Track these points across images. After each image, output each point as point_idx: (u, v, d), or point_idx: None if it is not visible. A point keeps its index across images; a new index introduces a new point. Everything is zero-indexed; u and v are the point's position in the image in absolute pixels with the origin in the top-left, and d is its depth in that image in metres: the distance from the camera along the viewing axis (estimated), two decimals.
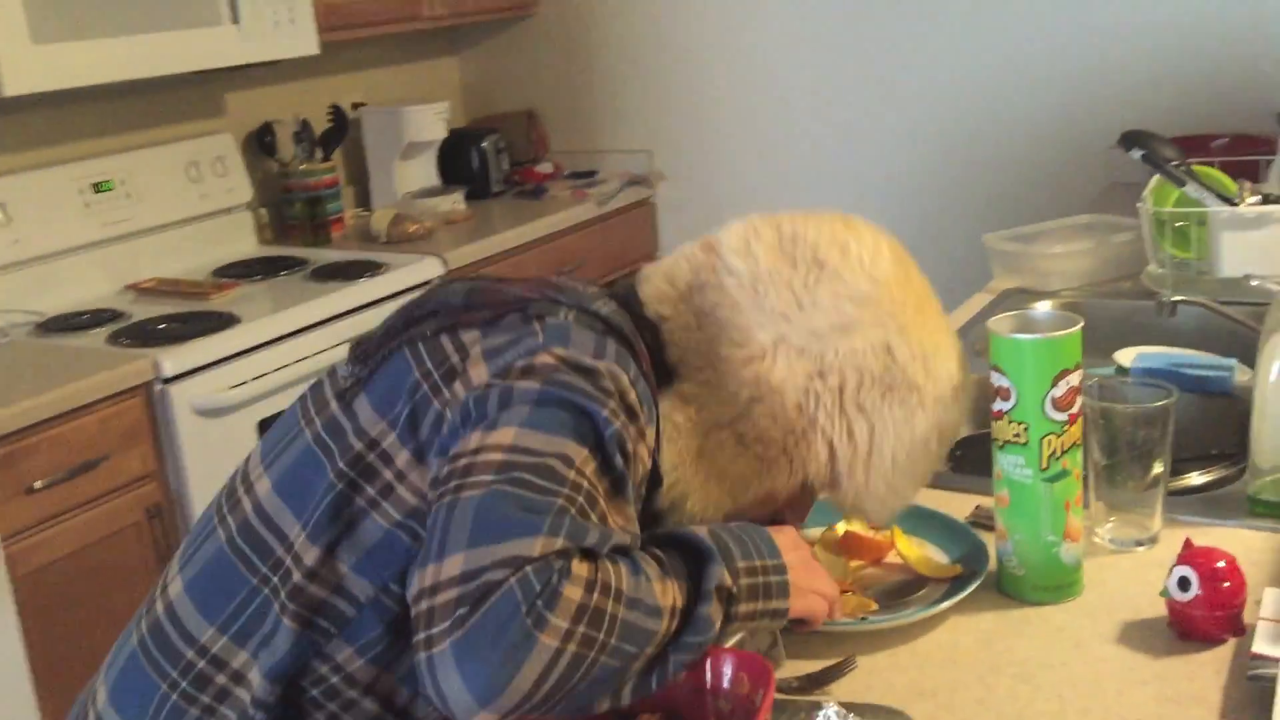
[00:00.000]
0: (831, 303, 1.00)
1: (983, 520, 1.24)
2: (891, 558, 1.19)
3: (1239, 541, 1.16)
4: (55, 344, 2.38)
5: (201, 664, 0.95)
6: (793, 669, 1.02)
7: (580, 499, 0.84)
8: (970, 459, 1.55)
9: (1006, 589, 1.12)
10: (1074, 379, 1.07)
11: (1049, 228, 2.19)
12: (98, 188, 2.70)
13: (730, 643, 0.95)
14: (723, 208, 3.53)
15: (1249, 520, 1.21)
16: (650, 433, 0.93)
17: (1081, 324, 1.08)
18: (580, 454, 0.85)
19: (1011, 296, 2.02)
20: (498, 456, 0.84)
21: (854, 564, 1.19)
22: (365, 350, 0.98)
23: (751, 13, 3.34)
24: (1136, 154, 1.96)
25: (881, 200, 3.30)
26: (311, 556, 0.92)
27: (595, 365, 0.90)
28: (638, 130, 3.63)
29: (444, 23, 3.35)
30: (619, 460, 0.88)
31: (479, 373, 0.91)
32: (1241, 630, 1.01)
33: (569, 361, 0.89)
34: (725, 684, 0.91)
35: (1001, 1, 3.03)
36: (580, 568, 0.80)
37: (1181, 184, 1.87)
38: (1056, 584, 1.10)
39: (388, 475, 0.92)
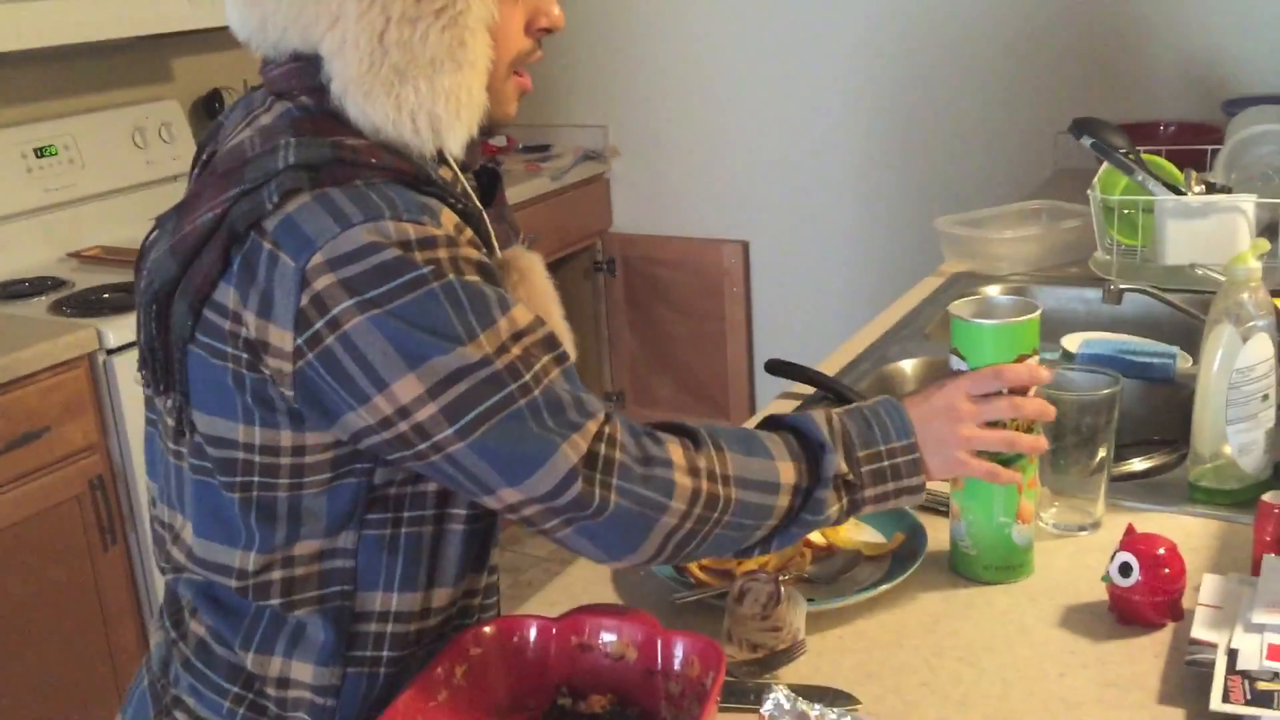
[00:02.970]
0: None
1: (929, 504, 1.26)
2: (817, 539, 1.19)
3: (1179, 528, 1.18)
4: None
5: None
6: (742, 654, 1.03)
7: (525, 375, 0.86)
8: None
9: (959, 568, 1.14)
10: (1032, 364, 1.08)
11: (999, 212, 2.20)
12: (40, 153, 2.64)
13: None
14: (676, 183, 3.53)
15: (1189, 507, 1.24)
16: (451, 228, 0.87)
17: (1040, 310, 1.09)
18: (474, 341, 0.84)
19: (961, 280, 2.04)
20: (429, 408, 0.83)
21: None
22: (156, 375, 0.92)
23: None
24: (1086, 141, 1.98)
25: (834, 182, 3.31)
26: (259, 562, 0.92)
27: (360, 241, 0.83)
28: (592, 105, 3.61)
29: None
30: (489, 292, 0.86)
31: (278, 335, 0.84)
32: (1180, 615, 1.04)
33: (341, 263, 0.82)
34: (676, 666, 0.92)
35: None
36: (672, 450, 0.91)
37: (1130, 172, 1.89)
38: (1008, 564, 1.12)
39: (285, 461, 0.90)
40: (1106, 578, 1.05)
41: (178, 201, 0.95)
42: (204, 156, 1.02)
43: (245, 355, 0.86)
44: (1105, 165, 1.97)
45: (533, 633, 0.95)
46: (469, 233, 0.90)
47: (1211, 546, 1.16)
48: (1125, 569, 1.03)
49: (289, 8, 0.90)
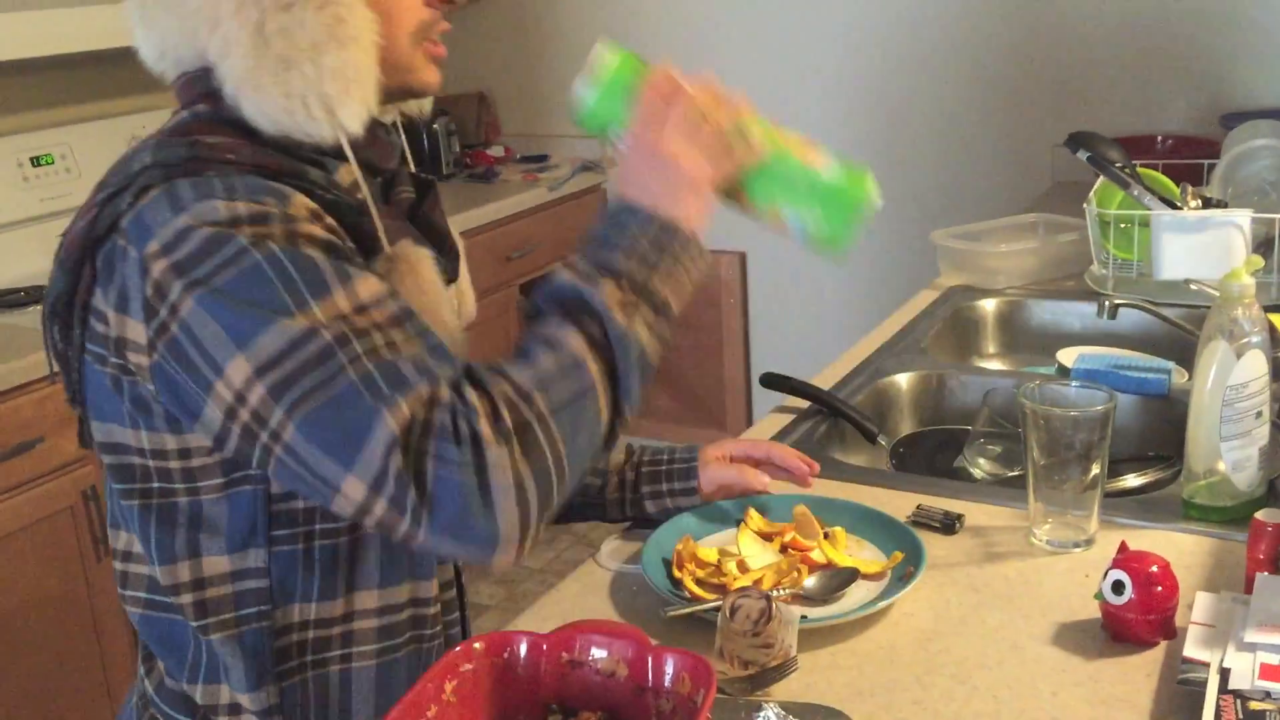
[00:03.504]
0: None
1: (924, 519, 1.25)
2: (817, 557, 1.19)
3: (1173, 545, 1.18)
4: None
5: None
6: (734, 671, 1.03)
7: (360, 345, 0.81)
8: (911, 457, 1.57)
9: (834, 242, 1.08)
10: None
11: (996, 226, 2.21)
12: (36, 161, 2.64)
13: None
14: None
15: (1183, 524, 1.23)
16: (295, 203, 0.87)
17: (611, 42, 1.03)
18: (303, 313, 0.81)
19: (957, 294, 2.04)
20: (258, 389, 0.80)
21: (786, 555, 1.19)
22: (70, 389, 0.95)
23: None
24: (1082, 155, 1.98)
25: None
26: (168, 577, 0.93)
27: (189, 222, 0.83)
28: None
29: None
30: (325, 263, 0.83)
31: (134, 329, 0.85)
32: (1173, 634, 1.03)
33: (172, 245, 0.83)
34: (667, 683, 0.91)
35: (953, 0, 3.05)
36: (473, 399, 0.80)
37: (1126, 186, 1.89)
38: (853, 198, 1.08)
39: (175, 465, 0.91)
40: (1099, 595, 1.05)
41: None
42: None
43: (115, 358, 0.87)
44: (1101, 179, 1.97)
45: (523, 649, 0.95)
46: (327, 219, 0.88)
47: (1205, 564, 1.16)
48: (1118, 587, 1.03)
49: (177, 24, 0.91)
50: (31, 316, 2.32)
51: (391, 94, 0.97)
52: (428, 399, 0.80)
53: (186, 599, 0.93)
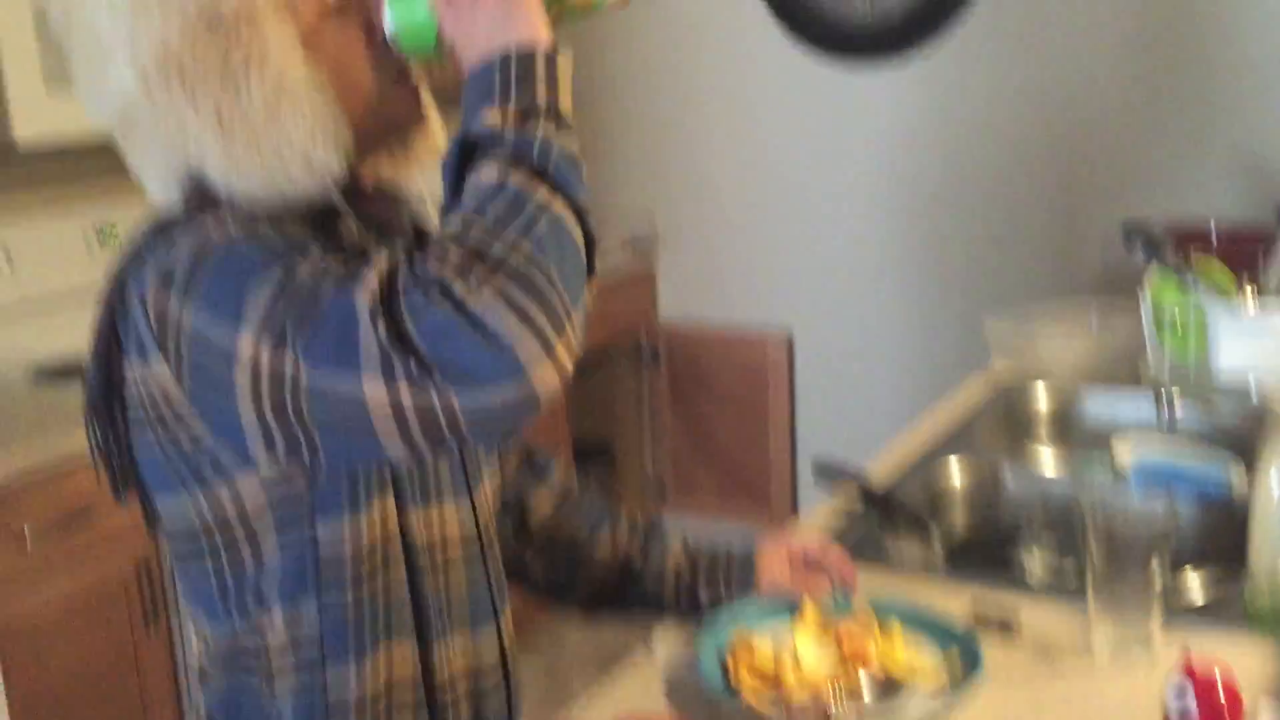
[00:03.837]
0: None
1: (979, 619, 1.24)
2: (873, 655, 1.17)
3: (1237, 652, 1.15)
4: (51, 392, 2.37)
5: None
6: None
7: (323, 267, 0.85)
8: (965, 552, 1.55)
9: None
10: None
11: (1049, 312, 2.19)
12: (101, 234, 2.70)
13: None
14: (721, 272, 3.55)
15: (1247, 630, 1.21)
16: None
17: None
18: (271, 272, 0.86)
19: (1010, 381, 2.03)
20: (264, 350, 0.84)
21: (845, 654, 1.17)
22: (114, 482, 1.01)
23: (752, 77, 3.37)
24: (1137, 245, 1.97)
25: (880, 275, 3.31)
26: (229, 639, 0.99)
27: (181, 253, 0.90)
28: (639, 193, 3.65)
29: None
30: (275, 236, 0.90)
31: (158, 366, 0.91)
32: None
33: (165, 272, 0.90)
34: None
35: (1003, 81, 3.06)
36: (419, 256, 0.82)
37: (1181, 277, 1.88)
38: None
39: (231, 514, 0.95)
40: (1163, 707, 1.02)
41: None
42: None
43: (155, 414, 0.92)
44: (1156, 269, 1.96)
45: None
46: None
47: (1270, 671, 1.13)
48: (1182, 695, 1.01)
49: (158, 157, 0.97)
50: None
51: (377, 134, 1.00)
52: (384, 272, 0.83)
53: (253, 659, 0.97)
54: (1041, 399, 2.00)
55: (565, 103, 0.90)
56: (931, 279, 3.25)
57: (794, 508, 3.55)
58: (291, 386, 0.83)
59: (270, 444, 0.87)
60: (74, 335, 2.63)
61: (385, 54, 0.98)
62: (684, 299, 3.64)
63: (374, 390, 0.80)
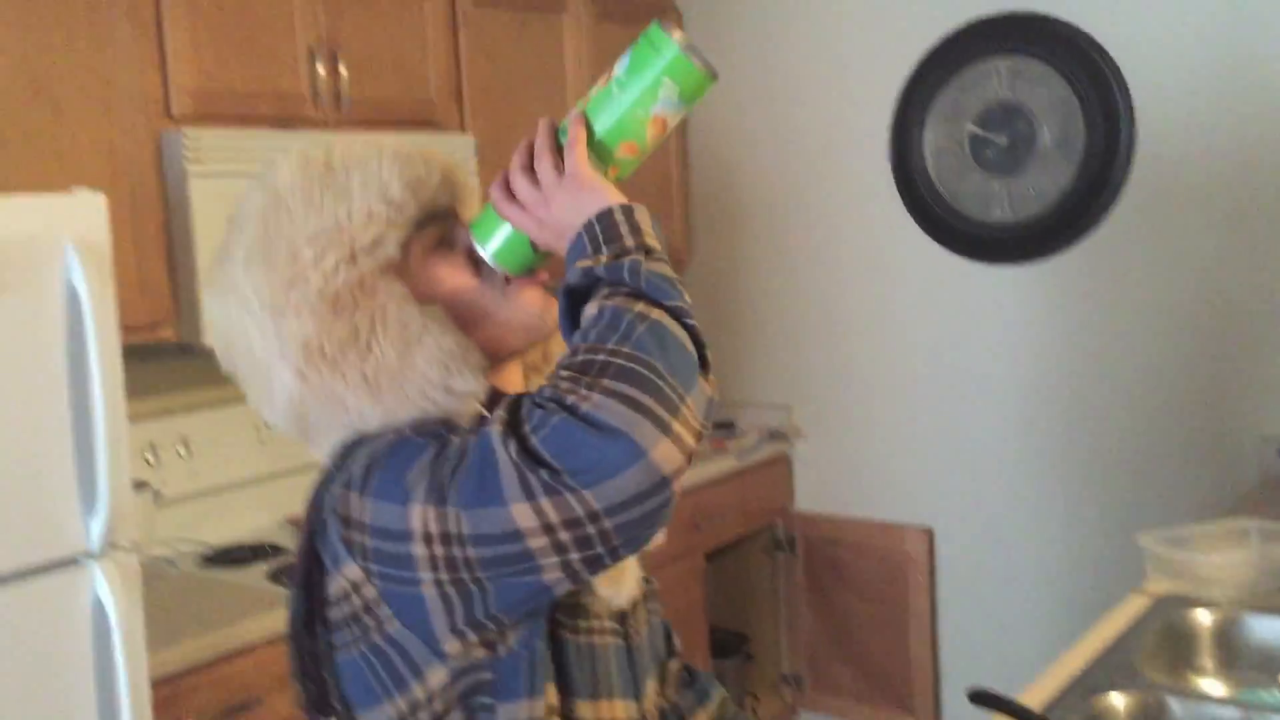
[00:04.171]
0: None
1: None
2: None
3: None
4: (217, 578, 2.49)
5: None
6: None
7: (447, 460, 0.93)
8: None
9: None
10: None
11: (1207, 531, 2.15)
12: (270, 426, 2.85)
13: None
14: (859, 464, 3.56)
15: None
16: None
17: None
18: (430, 449, 0.95)
19: (1168, 603, 1.98)
20: (429, 511, 0.92)
21: None
22: (313, 703, 1.06)
23: (891, 274, 3.44)
24: None
25: (1025, 477, 3.28)
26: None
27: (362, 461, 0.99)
28: (776, 385, 3.71)
29: None
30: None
31: (349, 576, 0.98)
32: None
33: (348, 479, 0.99)
34: None
35: (1142, 287, 3.06)
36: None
37: None
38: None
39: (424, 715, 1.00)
40: None
41: None
42: None
43: (357, 626, 0.99)
44: None
45: None
46: None
47: None
48: None
49: (332, 433, 1.06)
50: (254, 575, 2.47)
51: (509, 345, 1.11)
52: (510, 403, 0.92)
53: None
54: (1203, 621, 1.95)
55: (651, 241, 0.99)
56: (1077, 484, 3.20)
57: (936, 711, 3.44)
58: (458, 541, 0.91)
59: (451, 615, 0.94)
60: (238, 520, 2.77)
61: (491, 275, 1.10)
62: (821, 491, 3.65)
63: (521, 514, 0.87)
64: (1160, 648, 1.88)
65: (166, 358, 2.67)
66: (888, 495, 3.51)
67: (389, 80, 2.80)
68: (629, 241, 0.97)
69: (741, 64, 3.61)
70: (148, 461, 2.60)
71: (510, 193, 1.05)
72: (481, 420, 0.96)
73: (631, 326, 0.91)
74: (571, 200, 1.02)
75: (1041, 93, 3.12)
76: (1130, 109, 3.00)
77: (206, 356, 2.77)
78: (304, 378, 1.03)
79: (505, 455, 0.88)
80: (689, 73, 1.03)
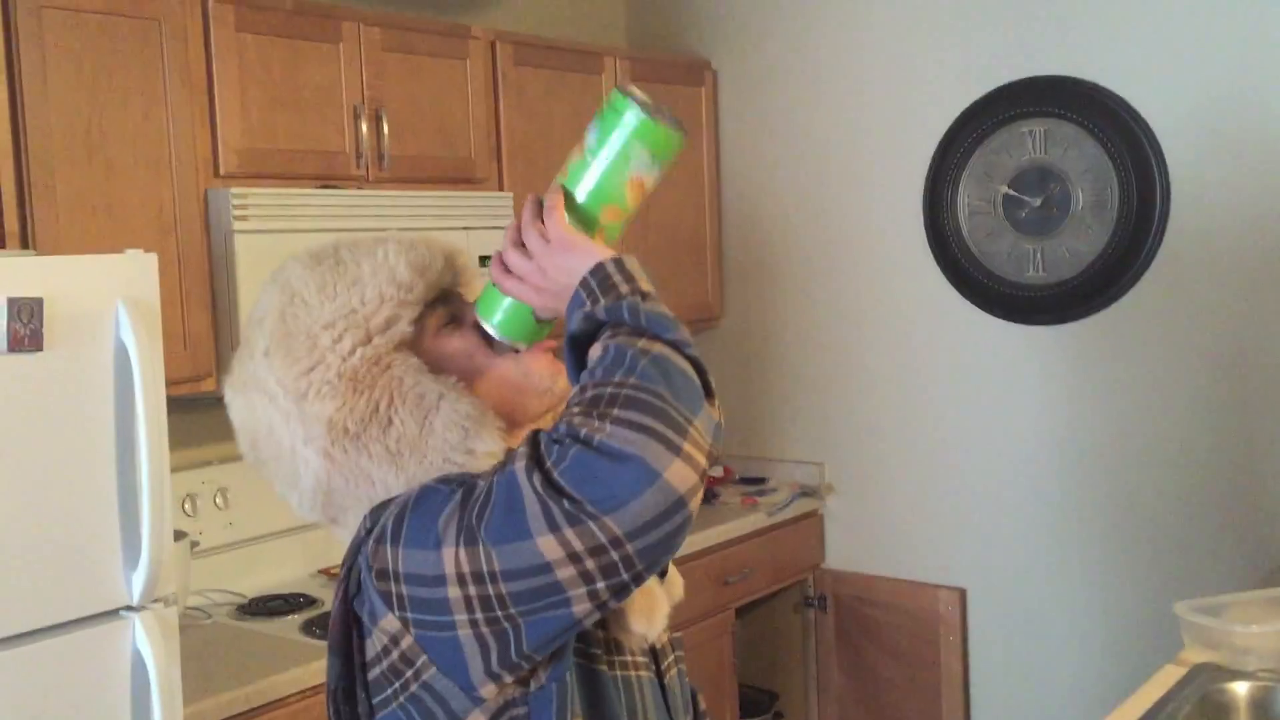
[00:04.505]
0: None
1: None
2: None
3: None
4: (252, 628, 2.51)
5: None
6: None
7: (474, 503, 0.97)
8: None
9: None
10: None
11: (1244, 600, 2.13)
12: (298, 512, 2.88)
13: None
14: (891, 523, 3.54)
15: None
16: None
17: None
18: (454, 492, 0.99)
19: (1205, 673, 1.96)
20: (460, 553, 0.95)
21: None
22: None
23: (921, 331, 3.44)
24: None
25: (1059, 540, 3.25)
26: None
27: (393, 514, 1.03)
28: (808, 442, 3.71)
29: None
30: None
31: (387, 628, 1.02)
32: None
33: (377, 533, 1.02)
34: None
35: (1177, 355, 3.05)
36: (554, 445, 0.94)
37: None
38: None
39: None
40: None
41: None
42: None
43: (398, 680, 1.01)
44: None
45: None
46: None
47: None
48: None
49: (360, 507, 1.09)
50: (288, 626, 2.49)
51: (529, 414, 1.15)
52: (529, 439, 0.96)
53: None
54: (1239, 693, 1.93)
55: (645, 285, 1.04)
56: (1113, 548, 3.17)
57: None
58: (490, 578, 0.94)
59: (487, 659, 0.97)
60: (272, 570, 2.79)
61: (501, 347, 1.15)
62: (853, 548, 3.63)
63: (547, 545, 0.91)
64: (1196, 719, 1.86)
65: (206, 408, 2.71)
66: (920, 553, 3.50)
67: (430, 138, 2.85)
68: (624, 288, 1.03)
69: (774, 123, 3.66)
70: (186, 512, 2.64)
71: (506, 268, 1.11)
72: (504, 460, 0.99)
73: (635, 360, 0.95)
74: (562, 262, 1.07)
75: (1075, 155, 3.14)
76: (1165, 172, 3.02)
77: None
78: (330, 458, 1.08)
79: (530, 489, 0.92)
80: (656, 134, 1.07)
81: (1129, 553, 3.14)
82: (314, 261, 1.14)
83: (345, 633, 1.06)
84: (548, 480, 0.92)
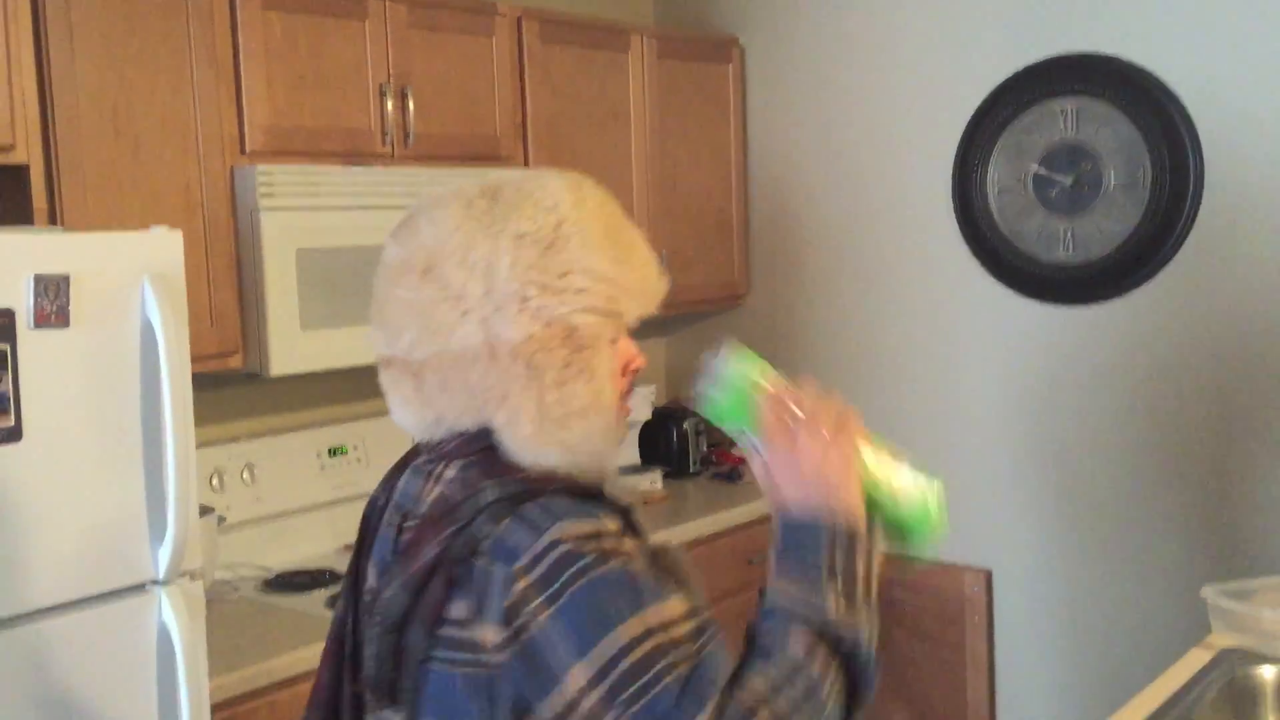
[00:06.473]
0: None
1: None
2: None
3: None
4: (278, 603, 2.53)
5: None
6: None
7: (670, 657, 0.98)
8: None
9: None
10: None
11: (1272, 583, 2.11)
12: (333, 452, 2.91)
13: None
14: None
15: None
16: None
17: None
18: (627, 626, 0.99)
19: (1233, 657, 1.95)
20: (593, 696, 0.97)
21: None
22: (383, 691, 1.10)
23: (955, 319, 3.42)
24: None
25: (1088, 531, 3.23)
26: None
27: (545, 542, 1.03)
28: None
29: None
30: (643, 581, 1.03)
31: (493, 631, 1.03)
32: None
33: (533, 565, 1.02)
34: None
35: (1210, 336, 3.01)
36: None
37: None
38: (916, 531, 1.24)
39: None
40: None
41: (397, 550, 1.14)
42: (386, 509, 1.20)
43: (468, 656, 1.03)
44: None
45: None
46: (629, 529, 1.09)
47: None
48: None
49: (464, 400, 1.11)
50: (313, 602, 2.51)
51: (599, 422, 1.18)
52: (717, 707, 0.97)
53: None
54: (1266, 677, 1.91)
55: (875, 587, 1.09)
56: (1141, 532, 3.14)
57: None
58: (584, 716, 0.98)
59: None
60: (299, 546, 2.81)
61: (630, 385, 1.18)
62: None
63: None
64: (1223, 703, 1.85)
65: (233, 384, 2.73)
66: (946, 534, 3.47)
67: (455, 116, 2.85)
68: (860, 582, 1.08)
69: (802, 100, 3.63)
70: (213, 487, 2.66)
71: (794, 417, 1.14)
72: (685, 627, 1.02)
73: (821, 707, 1.02)
74: (821, 483, 1.11)
75: (1107, 133, 3.09)
76: (1198, 151, 2.97)
77: (272, 384, 2.84)
78: (494, 353, 1.09)
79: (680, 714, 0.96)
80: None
81: (1157, 535, 3.11)
82: (608, 209, 1.16)
83: (423, 583, 1.06)
84: None
